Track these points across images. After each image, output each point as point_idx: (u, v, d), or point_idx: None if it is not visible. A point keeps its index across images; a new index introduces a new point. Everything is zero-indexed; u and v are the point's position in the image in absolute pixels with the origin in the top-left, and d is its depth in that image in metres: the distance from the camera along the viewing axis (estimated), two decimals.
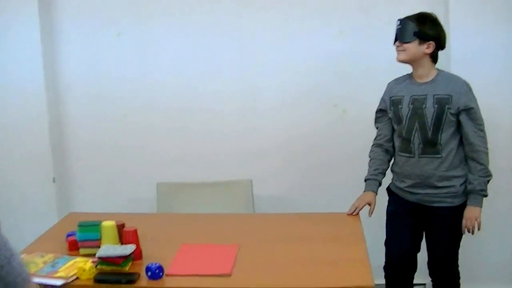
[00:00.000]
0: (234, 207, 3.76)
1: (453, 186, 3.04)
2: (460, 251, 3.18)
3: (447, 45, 3.09)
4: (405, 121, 3.06)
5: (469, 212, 3.04)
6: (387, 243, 3.30)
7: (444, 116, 2.96)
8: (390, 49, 3.09)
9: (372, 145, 3.33)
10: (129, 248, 2.52)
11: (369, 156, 3.32)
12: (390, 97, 3.17)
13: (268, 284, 2.38)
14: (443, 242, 3.14)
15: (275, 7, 3.90)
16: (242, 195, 3.82)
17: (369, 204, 3.22)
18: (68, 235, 2.79)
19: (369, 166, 3.31)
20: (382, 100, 3.24)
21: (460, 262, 3.19)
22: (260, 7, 3.90)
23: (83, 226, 2.69)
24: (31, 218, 3.94)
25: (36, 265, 2.52)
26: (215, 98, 4.02)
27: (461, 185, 3.05)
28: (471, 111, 2.97)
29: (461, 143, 3.05)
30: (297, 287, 2.35)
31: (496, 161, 3.31)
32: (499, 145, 3.57)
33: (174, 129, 4.08)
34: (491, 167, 3.04)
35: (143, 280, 2.42)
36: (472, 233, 3.07)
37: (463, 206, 3.06)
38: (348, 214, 3.18)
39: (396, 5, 3.71)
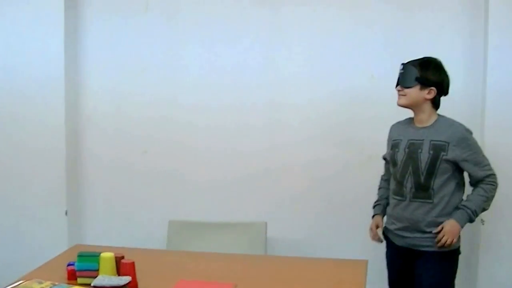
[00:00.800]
0: (246, 248, 3.75)
1: None
2: None
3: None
4: (400, 164, 3.10)
5: (450, 226, 3.01)
6: (389, 285, 3.35)
7: (438, 163, 2.98)
8: None
9: (381, 179, 3.43)
10: (123, 280, 2.57)
11: (378, 187, 3.43)
12: (391, 141, 3.23)
13: None
14: (429, 285, 3.10)
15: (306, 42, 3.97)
16: (255, 236, 3.83)
17: (377, 226, 3.31)
18: (68, 265, 2.82)
19: (377, 195, 3.41)
20: (387, 144, 3.30)
21: None
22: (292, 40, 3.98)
23: (82, 256, 2.74)
24: (42, 248, 3.99)
25: None
26: (235, 135, 4.08)
27: None
28: (469, 158, 3.00)
29: (456, 190, 3.06)
30: None
31: None
32: None
33: (190, 167, 4.16)
34: None
35: None
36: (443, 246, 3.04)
37: (452, 252, 3.07)
38: (373, 240, 3.32)
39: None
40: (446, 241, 2.99)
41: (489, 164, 3.06)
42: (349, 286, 2.80)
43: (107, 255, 2.68)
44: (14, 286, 2.61)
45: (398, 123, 3.27)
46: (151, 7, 4.08)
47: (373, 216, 3.37)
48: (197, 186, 4.15)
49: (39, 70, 4.05)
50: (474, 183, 3.08)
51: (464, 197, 3.12)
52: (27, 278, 2.77)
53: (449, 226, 3.01)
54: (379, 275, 3.30)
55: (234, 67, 4.05)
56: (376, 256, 3.31)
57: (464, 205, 3.03)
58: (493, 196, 3.05)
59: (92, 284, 2.55)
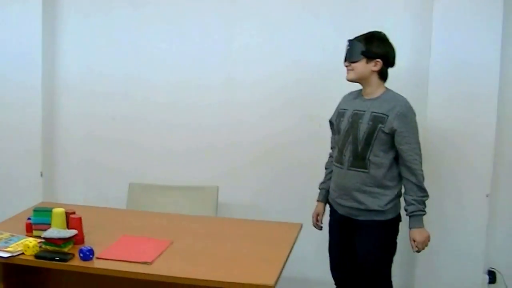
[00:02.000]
0: (197, 211, 4.09)
1: (377, 203, 3.18)
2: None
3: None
4: (342, 133, 3.27)
5: (417, 235, 3.17)
6: (328, 250, 3.55)
7: (375, 134, 3.11)
8: None
9: (329, 156, 3.57)
10: (69, 232, 2.96)
11: (325, 166, 3.58)
12: (338, 109, 3.39)
13: (178, 273, 2.76)
14: (364, 253, 3.26)
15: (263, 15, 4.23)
16: (207, 200, 4.18)
17: (318, 214, 3.57)
18: (28, 219, 3.23)
19: (324, 175, 3.57)
20: (334, 111, 3.44)
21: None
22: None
23: (37, 211, 3.15)
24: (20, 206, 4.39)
25: None
26: (194, 110, 4.40)
27: (387, 204, 3.18)
28: (403, 134, 3.10)
29: (394, 163, 3.19)
30: (202, 278, 2.71)
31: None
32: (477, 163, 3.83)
33: (155, 126, 4.51)
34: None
35: (76, 260, 2.85)
36: (419, 251, 3.26)
37: (388, 223, 3.22)
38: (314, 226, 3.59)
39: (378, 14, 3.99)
40: (424, 246, 3.21)
41: (417, 148, 3.15)
42: (277, 243, 3.16)
43: (58, 211, 3.07)
44: None
45: (350, 93, 3.38)
46: None
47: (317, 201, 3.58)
48: (159, 154, 4.53)
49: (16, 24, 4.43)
50: (404, 172, 3.16)
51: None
52: None
53: (419, 236, 3.17)
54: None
55: (193, 45, 4.37)
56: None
57: (411, 212, 3.15)
58: (422, 181, 3.15)
59: (42, 236, 2.94)
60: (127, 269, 2.81)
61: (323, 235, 3.57)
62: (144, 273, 2.78)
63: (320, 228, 3.60)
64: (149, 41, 4.44)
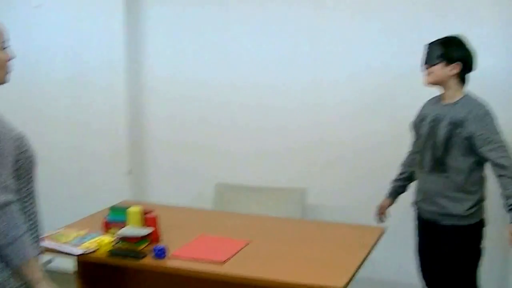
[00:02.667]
0: (283, 212, 4.03)
1: (459, 208, 3.11)
2: None
3: None
4: (422, 138, 3.23)
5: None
6: (416, 253, 3.45)
7: (454, 139, 3.06)
8: None
9: (408, 153, 3.52)
10: (144, 231, 2.94)
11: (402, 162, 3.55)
12: (420, 114, 3.32)
13: (246, 274, 2.69)
14: (443, 259, 3.20)
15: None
16: (294, 202, 4.12)
17: (381, 207, 3.56)
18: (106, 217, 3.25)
19: (397, 174, 3.54)
20: (417, 115, 3.37)
21: None
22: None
23: (114, 210, 3.15)
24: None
25: (67, 237, 3.02)
26: (286, 111, 4.30)
27: (469, 208, 3.10)
28: (482, 137, 3.01)
29: (475, 167, 3.10)
30: (266, 279, 2.64)
31: None
32: None
33: (241, 129, 4.46)
34: None
35: (149, 258, 2.82)
36: None
37: (471, 228, 3.13)
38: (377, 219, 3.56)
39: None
40: None
41: (503, 146, 3.03)
42: (355, 247, 3.04)
43: (133, 210, 3.06)
44: (54, 232, 3.07)
45: (431, 99, 3.33)
46: None
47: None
48: (246, 156, 4.45)
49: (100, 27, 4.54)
50: (496, 171, 3.03)
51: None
52: (71, 226, 3.24)
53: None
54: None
55: (279, 48, 4.28)
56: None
57: (509, 205, 2.98)
58: None
59: (117, 234, 2.94)
60: (197, 269, 2.77)
61: (412, 238, 3.45)
62: (213, 273, 2.73)
63: (382, 220, 3.57)
64: (235, 44, 4.37)
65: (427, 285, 3.44)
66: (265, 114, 4.36)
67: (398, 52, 3.99)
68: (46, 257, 2.52)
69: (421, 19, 3.91)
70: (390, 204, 3.56)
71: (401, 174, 3.51)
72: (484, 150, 3.03)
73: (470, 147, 3.07)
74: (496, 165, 3.02)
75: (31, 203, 2.19)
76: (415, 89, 3.64)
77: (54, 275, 2.93)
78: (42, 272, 2.13)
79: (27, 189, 2.17)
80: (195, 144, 4.55)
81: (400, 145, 3.75)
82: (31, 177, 2.19)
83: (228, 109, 4.44)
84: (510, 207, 2.98)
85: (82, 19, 4.56)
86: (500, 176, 3.02)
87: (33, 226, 2.19)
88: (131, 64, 4.53)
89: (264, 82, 4.33)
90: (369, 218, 3.60)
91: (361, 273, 2.81)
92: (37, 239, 2.21)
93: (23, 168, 2.13)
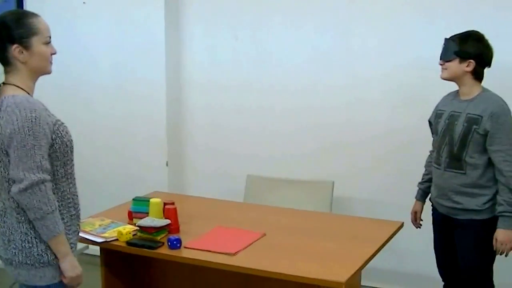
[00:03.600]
0: (311, 205, 4.09)
1: (475, 202, 3.13)
2: None
3: None
4: (439, 134, 3.25)
5: (502, 235, 3.07)
6: (434, 248, 3.50)
7: (470, 136, 3.08)
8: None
9: (429, 154, 3.52)
10: (162, 222, 3.08)
11: (426, 163, 3.55)
12: (437, 110, 3.35)
13: (258, 266, 2.79)
14: (463, 252, 3.24)
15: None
16: (322, 195, 4.17)
17: (416, 212, 3.54)
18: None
19: (423, 173, 3.55)
20: (433, 112, 3.41)
21: None
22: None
23: (136, 200, 3.31)
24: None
25: (92, 225, 3.20)
26: (322, 109, 4.40)
27: (485, 203, 3.12)
28: (494, 136, 3.03)
29: (491, 163, 3.11)
30: (273, 271, 2.75)
31: None
32: None
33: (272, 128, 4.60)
34: None
35: (164, 248, 2.97)
36: (506, 255, 3.14)
37: (487, 222, 3.13)
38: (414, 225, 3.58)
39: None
40: (506, 249, 3.09)
41: (511, 154, 3.04)
42: (369, 241, 3.09)
43: (155, 201, 3.21)
44: (81, 222, 3.24)
45: (447, 94, 3.36)
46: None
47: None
48: (283, 149, 4.59)
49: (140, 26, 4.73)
50: (496, 174, 3.08)
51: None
52: (97, 216, 3.42)
53: (502, 236, 3.06)
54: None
55: (312, 45, 4.39)
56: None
57: (500, 212, 3.06)
58: (511, 182, 3.02)
59: (136, 224, 3.09)
60: (209, 259, 2.89)
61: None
62: (224, 264, 2.84)
63: (419, 226, 3.58)
64: (274, 38, 4.49)
65: (444, 279, 3.47)
66: (300, 114, 4.47)
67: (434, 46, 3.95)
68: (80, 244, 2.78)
69: (459, 13, 3.93)
70: (422, 207, 3.56)
71: (425, 175, 3.52)
72: (491, 150, 3.05)
73: (485, 144, 3.08)
74: (496, 168, 3.07)
75: (67, 184, 2.45)
76: (448, 85, 3.66)
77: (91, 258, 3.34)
78: (69, 249, 2.40)
79: (63, 171, 2.43)
80: (230, 133, 4.72)
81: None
82: (67, 160, 2.44)
83: (264, 112, 4.59)
84: (499, 214, 3.06)
85: (124, 17, 4.77)
86: (497, 180, 3.08)
87: (70, 205, 2.47)
88: (171, 54, 4.72)
89: (298, 83, 4.44)
90: (401, 214, 3.59)
91: (386, 265, 2.82)
92: (74, 217, 2.49)
93: (59, 151, 2.38)
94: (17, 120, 2.27)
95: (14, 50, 2.35)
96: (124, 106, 4.85)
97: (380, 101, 4.24)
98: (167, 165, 4.74)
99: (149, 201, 3.22)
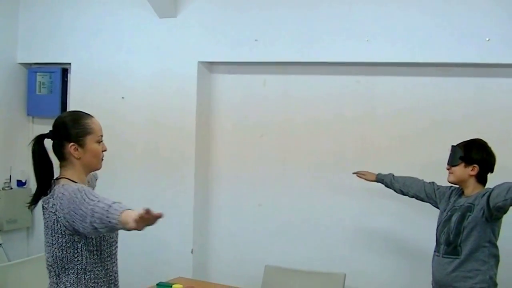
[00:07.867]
0: None
1: (469, 282, 3.37)
2: None
3: None
4: (439, 224, 3.57)
5: None
6: None
7: (464, 222, 3.39)
8: None
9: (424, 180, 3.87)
10: None
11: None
12: (447, 199, 3.65)
13: None
14: None
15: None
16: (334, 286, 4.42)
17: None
18: None
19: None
20: (446, 188, 3.70)
21: None
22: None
23: (160, 285, 3.63)
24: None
25: None
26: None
27: (478, 282, 3.35)
28: (489, 190, 3.35)
29: (483, 245, 3.37)
30: None
31: None
32: None
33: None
34: None
35: None
36: None
37: None
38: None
39: None
40: None
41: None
42: None
43: (176, 286, 3.54)
44: None
45: (457, 190, 3.63)
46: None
47: None
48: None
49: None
50: (496, 192, 3.32)
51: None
52: None
53: None
54: None
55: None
56: None
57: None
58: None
59: None
60: None
61: None
62: None
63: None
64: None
65: None
66: None
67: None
68: None
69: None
70: (371, 179, 4.06)
71: (403, 183, 3.91)
72: (492, 191, 3.34)
73: (480, 225, 3.37)
74: (497, 187, 3.33)
75: (111, 263, 2.72)
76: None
77: None
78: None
79: (109, 251, 2.69)
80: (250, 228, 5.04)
81: None
82: (113, 242, 2.73)
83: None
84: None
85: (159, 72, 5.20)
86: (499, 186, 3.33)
87: (111, 282, 2.72)
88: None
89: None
90: None
91: None
92: None
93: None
94: (67, 195, 2.48)
95: (71, 147, 2.64)
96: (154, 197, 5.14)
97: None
98: (192, 252, 5.01)
99: (171, 286, 3.54)
